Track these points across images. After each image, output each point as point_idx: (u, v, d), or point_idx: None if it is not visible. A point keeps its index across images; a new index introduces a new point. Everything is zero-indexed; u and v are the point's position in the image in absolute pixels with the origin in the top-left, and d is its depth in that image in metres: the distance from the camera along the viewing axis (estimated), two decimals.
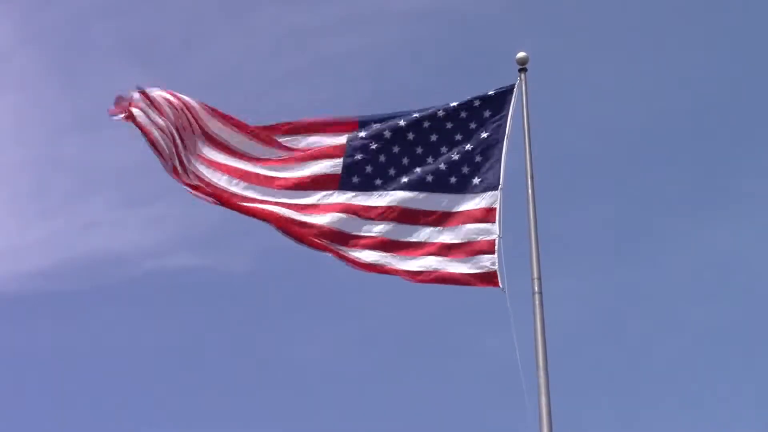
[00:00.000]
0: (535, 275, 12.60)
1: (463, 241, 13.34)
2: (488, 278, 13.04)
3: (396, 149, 14.04)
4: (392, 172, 13.96)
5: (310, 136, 14.19)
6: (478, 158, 13.84)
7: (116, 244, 31.91)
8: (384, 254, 13.43)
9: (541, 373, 12.04)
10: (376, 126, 14.15)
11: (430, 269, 13.31)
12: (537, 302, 12.45)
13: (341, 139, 14.10)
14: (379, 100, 33.10)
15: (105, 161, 33.25)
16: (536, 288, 12.53)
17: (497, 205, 13.40)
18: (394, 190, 13.79)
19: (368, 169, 13.98)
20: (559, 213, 27.36)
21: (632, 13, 33.35)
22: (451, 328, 28.62)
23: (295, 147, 14.13)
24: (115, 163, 33.09)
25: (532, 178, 13.29)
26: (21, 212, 32.58)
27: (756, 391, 27.50)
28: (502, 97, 14.03)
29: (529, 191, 13.21)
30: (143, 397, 30.42)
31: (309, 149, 14.08)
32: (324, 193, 13.83)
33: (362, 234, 13.55)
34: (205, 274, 31.13)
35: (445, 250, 13.33)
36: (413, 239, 13.51)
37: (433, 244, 13.42)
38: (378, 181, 13.92)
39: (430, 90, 31.71)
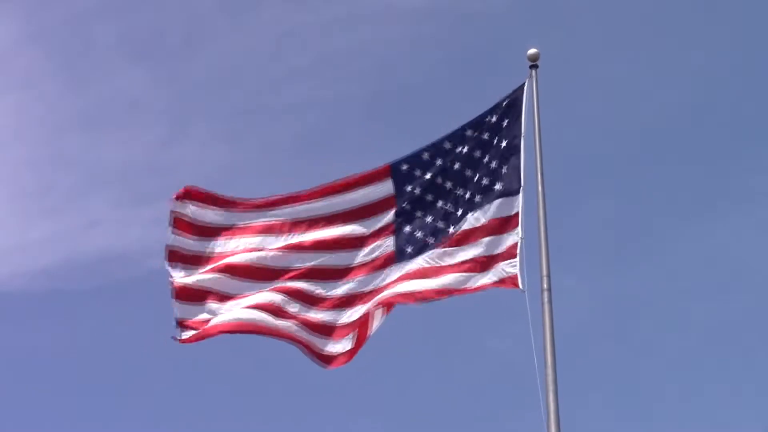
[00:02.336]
0: (545, 272, 12.59)
1: (487, 254, 13.32)
2: (509, 281, 13.03)
3: (440, 204, 13.98)
4: (441, 224, 13.87)
5: (346, 194, 14.13)
6: (501, 168, 13.77)
7: (120, 243, 31.91)
8: (412, 281, 13.47)
9: (549, 370, 12.03)
10: (411, 168, 14.07)
11: (451, 287, 13.31)
12: (546, 299, 12.44)
13: (388, 218, 14.02)
14: (382, 98, 33.11)
15: (108, 159, 33.27)
16: (545, 285, 12.52)
17: (519, 209, 13.36)
18: (442, 244, 13.73)
19: (419, 234, 13.91)
20: (565, 211, 27.36)
21: (637, 12, 33.33)
22: (454, 328, 28.60)
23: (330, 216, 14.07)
24: (118, 161, 33.08)
25: (542, 175, 13.28)
26: (24, 211, 32.59)
27: (761, 389, 27.51)
28: (516, 100, 13.95)
29: (539, 188, 13.19)
30: (145, 396, 30.43)
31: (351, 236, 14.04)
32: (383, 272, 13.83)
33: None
34: None
35: (470, 265, 13.34)
36: (439, 263, 13.51)
37: (457, 264, 13.40)
38: (431, 239, 13.84)
39: (433, 89, 31.76)
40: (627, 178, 32.24)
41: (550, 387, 11.94)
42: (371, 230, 13.94)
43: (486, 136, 14.01)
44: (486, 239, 13.38)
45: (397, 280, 13.54)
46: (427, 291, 13.31)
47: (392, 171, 14.09)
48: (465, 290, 13.26)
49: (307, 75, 33.58)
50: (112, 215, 32.64)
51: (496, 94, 14.25)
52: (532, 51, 14.10)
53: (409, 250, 13.82)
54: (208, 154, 33.77)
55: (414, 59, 33.91)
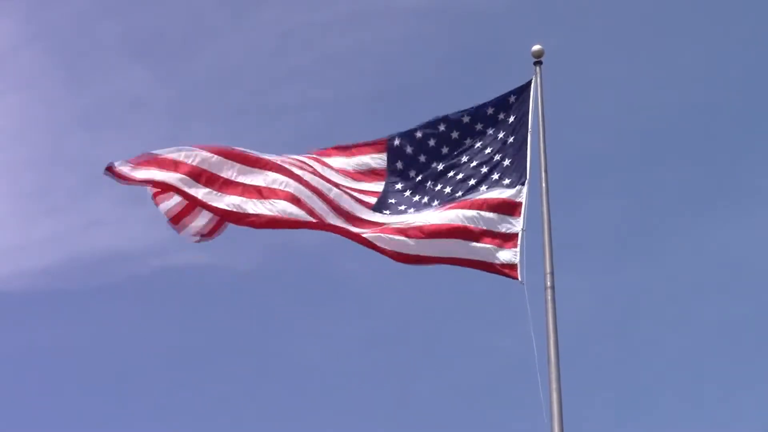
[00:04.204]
0: (548, 269, 12.54)
1: (488, 228, 13.23)
2: (508, 270, 12.95)
3: (429, 184, 14.02)
4: (425, 200, 13.91)
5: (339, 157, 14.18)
6: (506, 162, 13.79)
7: (121, 242, 31.88)
8: (408, 239, 13.33)
9: (553, 367, 11.98)
10: (406, 146, 14.14)
11: (452, 253, 13.22)
12: (549, 297, 12.39)
13: (381, 163, 14.14)
14: (384, 97, 33.08)
15: (109, 158, 33.04)
16: (549, 282, 12.47)
17: (522, 200, 13.33)
18: (424, 211, 13.71)
19: (402, 207, 13.90)
20: (569, 209, 27.33)
21: (640, 10, 33.30)
22: (458, 325, 28.60)
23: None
24: (119, 161, 33.00)
25: (546, 172, 13.25)
26: (25, 210, 32.55)
27: (762, 389, 27.47)
28: (523, 97, 13.93)
29: (543, 185, 13.16)
30: (146, 396, 30.40)
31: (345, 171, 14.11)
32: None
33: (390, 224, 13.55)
34: (210, 272, 31.06)
35: (470, 233, 13.21)
36: (439, 222, 13.36)
37: (459, 226, 13.27)
38: (411, 210, 13.83)
39: (437, 87, 31.71)
40: (630, 176, 32.26)
41: (554, 385, 11.89)
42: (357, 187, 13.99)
43: (491, 131, 14.02)
44: (488, 213, 13.30)
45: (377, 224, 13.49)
46: (420, 256, 13.21)
47: (388, 146, 14.18)
48: (459, 261, 13.17)
49: (308, 74, 33.60)
50: (113, 215, 32.62)
51: (499, 93, 14.24)
52: (536, 47, 14.06)
53: (390, 201, 13.88)
54: None
55: (415, 59, 33.93)
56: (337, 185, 13.76)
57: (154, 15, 34.60)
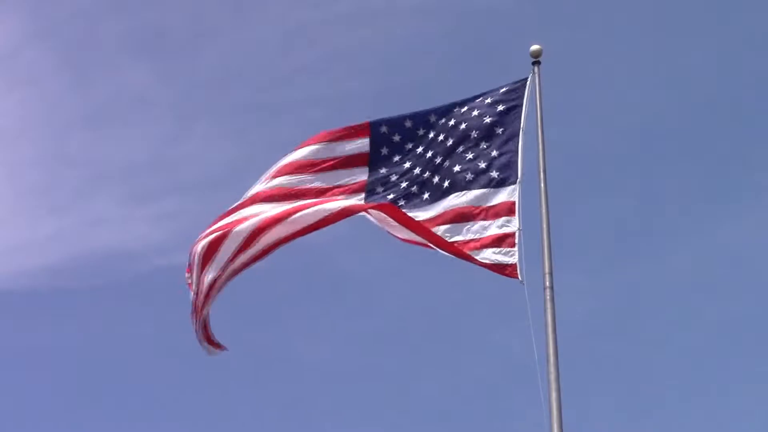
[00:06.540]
0: (547, 269, 12.54)
1: (484, 236, 13.27)
2: (508, 270, 12.96)
3: (417, 171, 14.04)
4: (414, 189, 13.92)
5: (326, 144, 14.16)
6: (494, 153, 13.78)
7: (125, 241, 31.95)
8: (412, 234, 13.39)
9: (552, 368, 11.99)
10: (390, 132, 14.14)
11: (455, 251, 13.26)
12: (548, 297, 12.38)
13: (363, 147, 14.12)
14: (388, 95, 33.07)
15: (113, 157, 33.29)
16: (548, 282, 12.47)
17: (516, 199, 13.33)
18: (414, 208, 13.72)
19: (391, 195, 13.92)
20: (569, 208, 27.34)
21: (642, 10, 33.30)
22: (459, 324, 28.61)
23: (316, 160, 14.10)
24: (123, 159, 33.10)
25: (544, 172, 13.26)
26: (29, 208, 32.60)
27: (766, 388, 27.47)
28: (516, 91, 13.97)
29: (542, 185, 13.16)
30: (150, 395, 30.44)
31: (331, 161, 14.10)
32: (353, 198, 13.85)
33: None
34: None
35: (468, 244, 13.23)
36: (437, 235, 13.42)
37: (456, 240, 13.33)
38: (401, 202, 13.85)
39: (439, 85, 31.72)
40: (630, 176, 32.27)
41: (553, 385, 11.89)
42: (338, 183, 14.00)
43: (476, 113, 14.03)
44: (483, 222, 13.34)
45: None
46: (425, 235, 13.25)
47: (371, 130, 14.18)
48: (460, 252, 13.16)
49: (313, 72, 33.62)
50: (116, 213, 32.68)
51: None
52: (534, 47, 14.09)
53: (379, 189, 13.92)
54: (213, 151, 33.82)
55: (418, 56, 33.96)
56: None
57: (157, 13, 34.67)
